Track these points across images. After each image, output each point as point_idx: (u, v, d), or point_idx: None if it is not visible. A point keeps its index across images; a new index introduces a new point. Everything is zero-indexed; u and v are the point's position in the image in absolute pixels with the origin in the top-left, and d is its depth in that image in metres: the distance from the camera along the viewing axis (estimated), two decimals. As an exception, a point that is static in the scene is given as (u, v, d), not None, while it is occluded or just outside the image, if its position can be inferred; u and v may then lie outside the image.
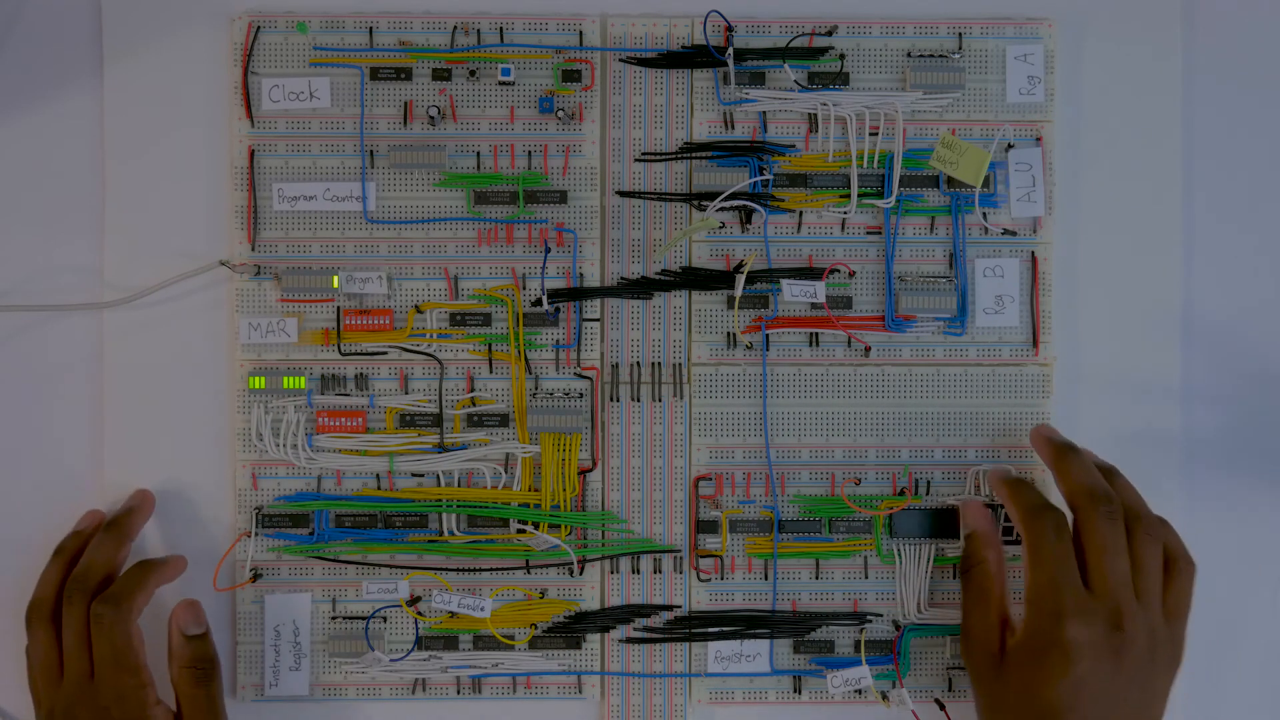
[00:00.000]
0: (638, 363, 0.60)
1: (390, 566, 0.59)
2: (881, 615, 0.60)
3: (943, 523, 0.60)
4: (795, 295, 0.59)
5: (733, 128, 0.59)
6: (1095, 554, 0.53)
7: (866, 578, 0.60)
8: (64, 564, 0.56)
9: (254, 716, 0.59)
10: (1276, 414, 0.62)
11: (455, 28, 0.59)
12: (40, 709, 0.55)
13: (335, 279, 0.59)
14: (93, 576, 0.55)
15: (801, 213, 0.60)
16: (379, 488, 0.59)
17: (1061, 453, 0.56)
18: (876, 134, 0.59)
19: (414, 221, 0.59)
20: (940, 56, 0.60)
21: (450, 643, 0.59)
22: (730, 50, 0.59)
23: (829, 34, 0.59)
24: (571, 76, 0.59)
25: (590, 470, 0.60)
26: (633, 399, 0.60)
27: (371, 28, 0.59)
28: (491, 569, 0.60)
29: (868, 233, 0.60)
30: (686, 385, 0.60)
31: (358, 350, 0.59)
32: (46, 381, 0.60)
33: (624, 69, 0.59)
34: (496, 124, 0.59)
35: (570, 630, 0.59)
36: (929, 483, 0.60)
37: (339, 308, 0.59)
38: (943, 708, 0.59)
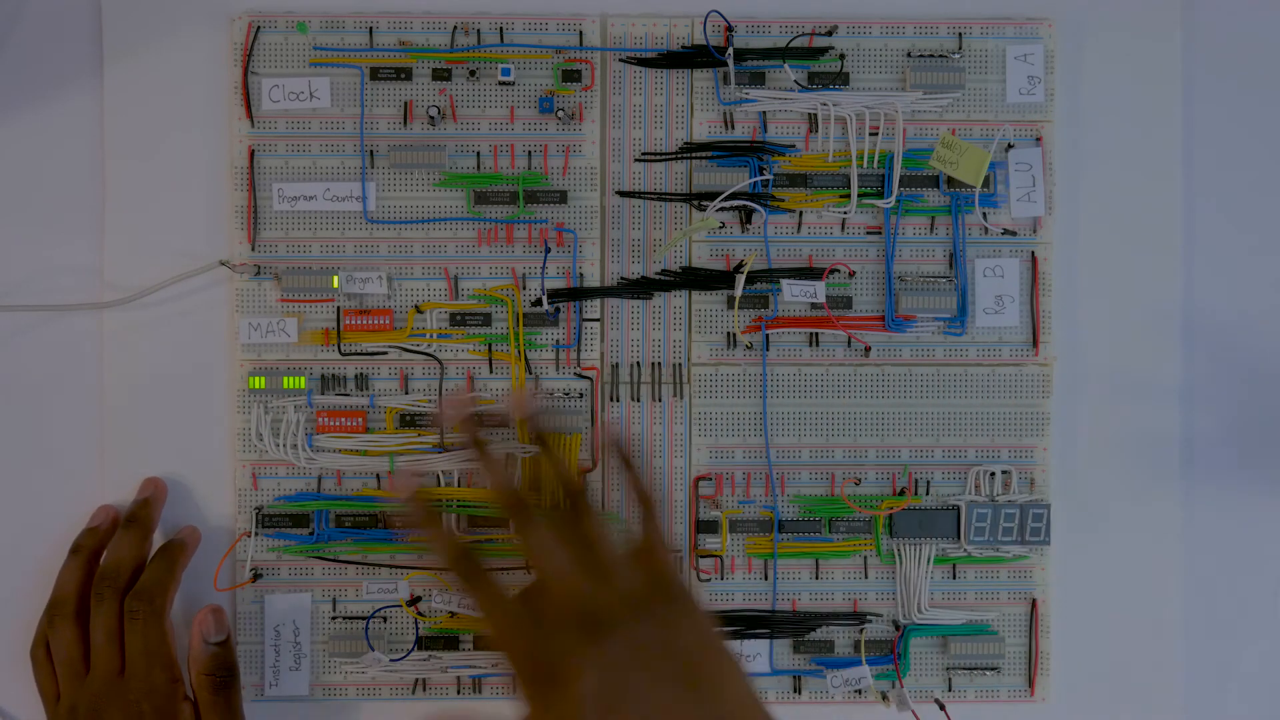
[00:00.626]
0: (638, 363, 0.60)
1: (390, 566, 0.59)
2: (881, 615, 0.60)
3: (943, 523, 0.60)
4: (795, 295, 0.59)
5: (733, 128, 0.59)
6: (534, 559, 0.46)
7: (866, 578, 0.60)
8: (83, 561, 0.57)
9: (254, 716, 0.59)
10: (1276, 414, 0.62)
11: (455, 28, 0.59)
12: (60, 705, 0.55)
13: (335, 279, 0.59)
14: (123, 573, 0.56)
15: (801, 213, 0.60)
16: (379, 488, 0.59)
17: (480, 454, 0.51)
18: (876, 134, 0.59)
19: (414, 221, 0.59)
20: (940, 56, 0.60)
21: (450, 643, 0.59)
22: (730, 50, 0.59)
23: (829, 34, 0.59)
24: (571, 76, 0.59)
25: (590, 470, 0.60)
26: (633, 399, 0.60)
27: (371, 28, 0.59)
28: (491, 569, 0.59)
29: (868, 233, 0.60)
30: (686, 385, 0.60)
31: (358, 350, 0.59)
32: (46, 381, 0.60)
33: (624, 69, 0.59)
34: (496, 124, 0.59)
35: (570, 630, 0.59)
36: (929, 483, 0.60)
37: (339, 308, 0.59)
38: (943, 708, 0.59)
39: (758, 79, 0.59)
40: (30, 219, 0.59)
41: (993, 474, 0.60)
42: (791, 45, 0.59)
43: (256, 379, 0.59)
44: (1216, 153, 0.61)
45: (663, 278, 0.59)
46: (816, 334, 0.60)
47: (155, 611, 0.55)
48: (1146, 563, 0.61)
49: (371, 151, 0.59)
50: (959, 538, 0.60)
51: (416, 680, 0.60)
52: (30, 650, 0.57)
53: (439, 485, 0.59)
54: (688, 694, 0.42)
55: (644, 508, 0.48)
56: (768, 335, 0.60)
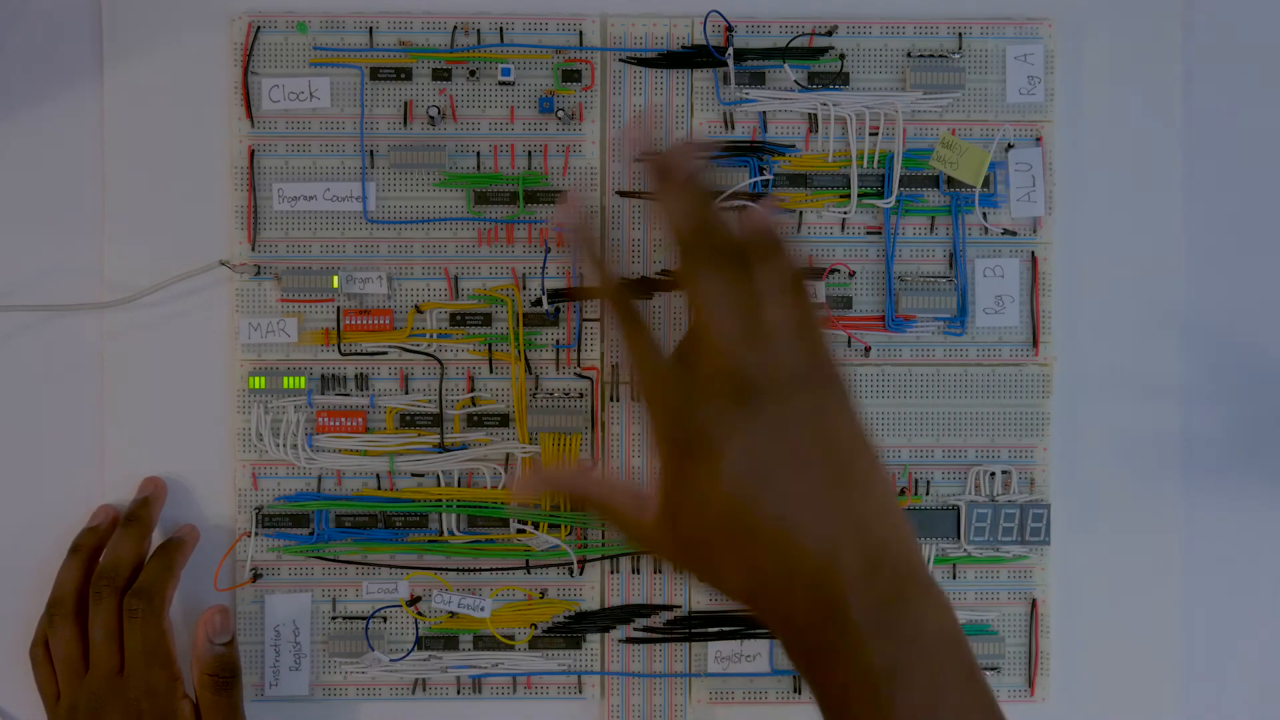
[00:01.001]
0: (638, 363, 0.60)
1: (390, 566, 0.59)
2: (881, 615, 0.60)
3: (943, 523, 0.60)
4: (795, 295, 0.59)
5: (733, 128, 0.59)
6: (702, 317, 0.43)
7: (866, 578, 0.60)
8: (83, 561, 0.57)
9: (254, 716, 0.59)
10: (1276, 414, 0.62)
11: (455, 28, 0.59)
12: (60, 704, 0.56)
13: (335, 279, 0.59)
14: (122, 571, 0.56)
15: (801, 213, 0.60)
16: (379, 488, 0.59)
17: (661, 179, 0.46)
18: (876, 134, 0.59)
19: (414, 221, 0.59)
20: (940, 56, 0.60)
21: (450, 643, 0.59)
22: (730, 50, 0.59)
23: (829, 34, 0.59)
24: (571, 76, 0.59)
25: (590, 470, 0.60)
26: (633, 399, 0.60)
27: (371, 28, 0.59)
28: (491, 569, 0.60)
29: (868, 233, 0.60)
30: (686, 385, 0.60)
31: (358, 350, 0.59)
32: (46, 381, 0.60)
33: (624, 69, 0.59)
34: (496, 124, 0.59)
35: (570, 630, 0.59)
36: (929, 483, 0.60)
37: (339, 308, 0.59)
38: (943, 708, 0.59)
39: (758, 79, 0.59)
40: (30, 219, 0.59)
41: (993, 474, 0.60)
42: (791, 45, 0.59)
43: (256, 379, 0.59)
44: (1216, 152, 0.61)
45: (663, 278, 0.59)
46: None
47: (154, 610, 0.55)
48: (1146, 563, 0.61)
49: (371, 151, 0.59)
50: (959, 538, 0.60)
51: (416, 680, 0.60)
52: (30, 650, 0.57)
53: (439, 485, 0.59)
54: (832, 488, 0.40)
55: (795, 281, 0.43)
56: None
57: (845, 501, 0.40)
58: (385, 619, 0.59)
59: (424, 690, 0.60)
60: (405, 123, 0.59)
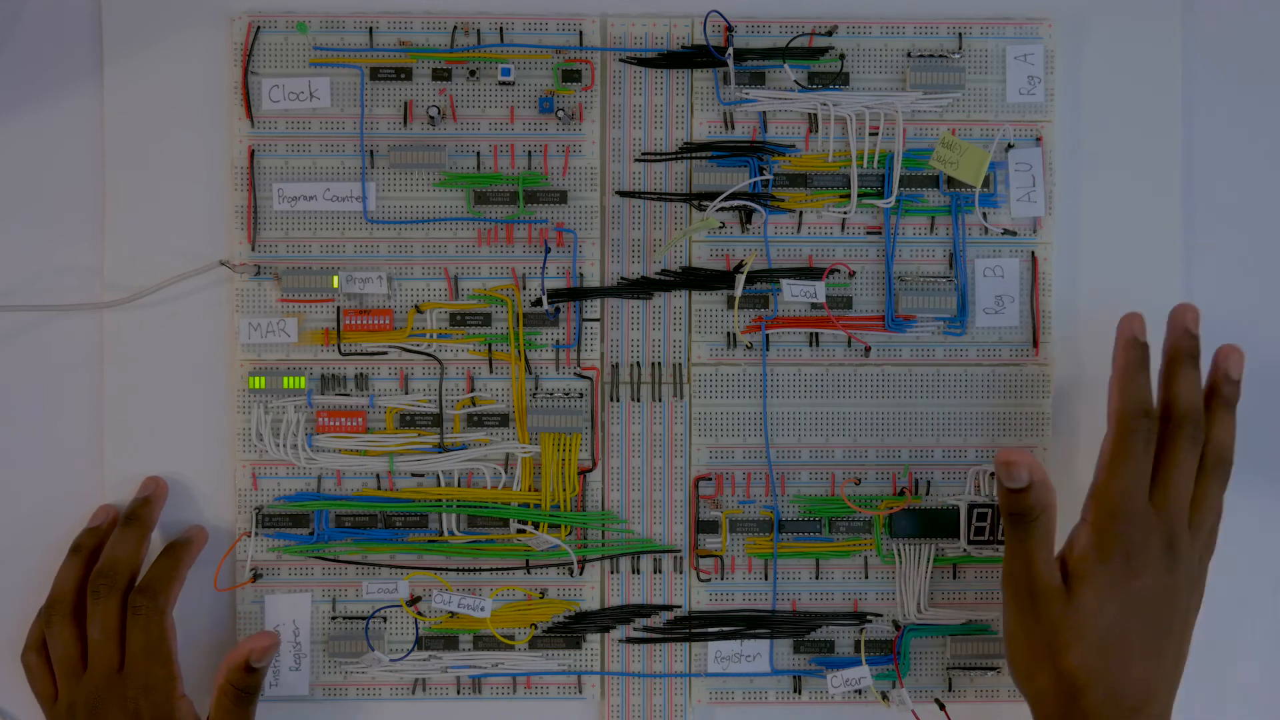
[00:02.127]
0: (638, 363, 0.60)
1: (390, 566, 0.59)
2: (881, 615, 0.60)
3: (943, 523, 0.60)
4: (795, 295, 0.59)
5: (733, 128, 0.59)
6: (1168, 472, 0.53)
7: (866, 578, 0.60)
8: (83, 561, 0.57)
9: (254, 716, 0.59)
10: (1276, 414, 0.61)
11: (455, 28, 0.59)
12: (58, 704, 0.55)
13: (335, 279, 0.59)
14: (120, 571, 0.56)
15: (801, 213, 0.60)
16: (379, 488, 0.59)
17: (1181, 360, 0.55)
18: (876, 134, 0.59)
19: (414, 221, 0.59)
20: (940, 56, 0.60)
21: (450, 643, 0.59)
22: (730, 50, 0.59)
23: (829, 34, 0.59)
24: (571, 76, 0.59)
25: (590, 470, 0.60)
26: (633, 399, 0.60)
27: (371, 28, 0.59)
28: (491, 569, 0.60)
29: (868, 233, 0.60)
30: (686, 385, 0.60)
31: (358, 350, 0.59)
32: (46, 381, 0.60)
33: (624, 69, 0.59)
34: (496, 124, 0.59)
35: (570, 630, 0.59)
36: (929, 483, 0.60)
37: (339, 308, 0.59)
38: (943, 708, 0.59)
39: (758, 79, 0.59)
40: (30, 219, 0.59)
41: (993, 474, 0.60)
42: (791, 45, 0.59)
43: (256, 379, 0.59)
44: (1216, 152, 0.61)
45: (663, 278, 0.59)
46: (816, 334, 0.60)
47: (157, 608, 0.55)
48: (1146, 563, 0.61)
49: (371, 151, 0.59)
50: (959, 538, 0.60)
51: (416, 680, 0.60)
52: (21, 656, 0.57)
53: (439, 485, 0.59)
54: (1163, 661, 0.53)
55: (1217, 476, 0.54)
56: (768, 335, 0.60)
57: (1166, 676, 0.53)
58: (385, 619, 0.59)
59: (424, 690, 0.60)
60: (405, 123, 0.59)
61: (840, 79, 0.59)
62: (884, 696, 0.59)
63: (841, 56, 0.59)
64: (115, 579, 0.56)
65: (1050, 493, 0.53)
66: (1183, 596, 0.52)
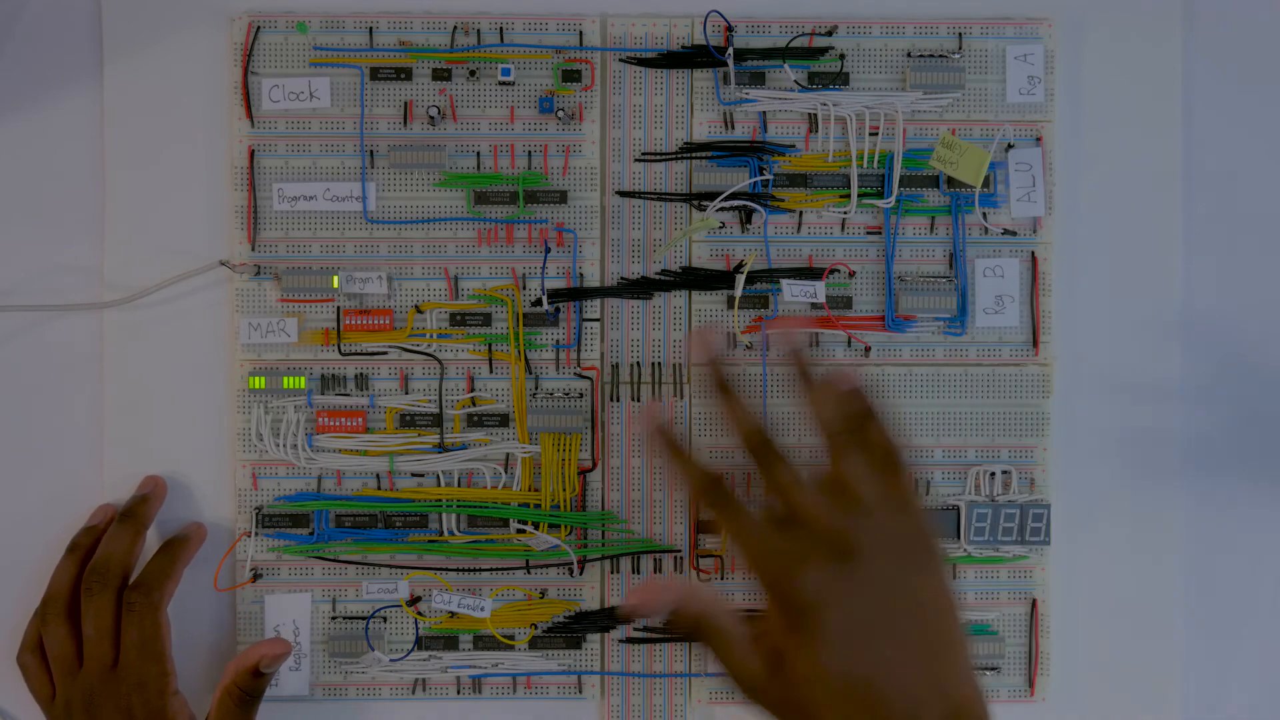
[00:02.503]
0: (638, 363, 0.60)
1: (390, 566, 0.59)
2: (881, 615, 0.60)
3: (943, 523, 0.60)
4: (795, 295, 0.59)
5: (733, 128, 0.59)
6: (783, 494, 0.46)
7: (866, 578, 0.60)
8: (79, 559, 0.57)
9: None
10: (1276, 414, 0.62)
11: (455, 28, 0.59)
12: (55, 702, 0.56)
13: (335, 279, 0.59)
14: (112, 567, 0.56)
15: (801, 213, 0.60)
16: (379, 488, 0.59)
17: (719, 387, 0.49)
18: (876, 134, 0.59)
19: (414, 221, 0.59)
20: (940, 56, 0.60)
21: (450, 643, 0.59)
22: (730, 50, 0.59)
23: (829, 34, 0.59)
24: (571, 76, 0.59)
25: (590, 470, 0.60)
26: (633, 399, 0.60)
27: (371, 28, 0.59)
28: (491, 569, 0.60)
29: (868, 233, 0.60)
30: (686, 385, 0.60)
31: (358, 350, 0.59)
32: (46, 381, 0.60)
33: (624, 69, 0.59)
34: (496, 124, 0.59)
35: (570, 630, 0.59)
36: (929, 483, 0.60)
37: (339, 308, 0.59)
38: (943, 708, 0.59)
39: (758, 79, 0.59)
40: (30, 219, 0.59)
41: (993, 474, 0.60)
42: (791, 45, 0.59)
43: (256, 379, 0.59)
44: (1216, 152, 0.61)
45: (663, 278, 0.59)
46: (816, 334, 0.60)
47: (153, 604, 0.55)
48: (1146, 563, 0.61)
49: (371, 151, 0.59)
50: (959, 538, 0.60)
51: (416, 680, 0.60)
52: (17, 657, 0.57)
53: (439, 485, 0.59)
54: (919, 653, 0.43)
55: (891, 456, 0.46)
56: (768, 335, 0.60)
57: (931, 665, 0.43)
58: (385, 619, 0.59)
59: (424, 690, 0.60)
60: (405, 123, 0.59)
61: (840, 79, 0.59)
62: (884, 696, 0.59)
63: (841, 56, 0.59)
64: (108, 576, 0.56)
65: (693, 597, 0.47)
66: (900, 580, 0.44)
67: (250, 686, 0.55)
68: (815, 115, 0.59)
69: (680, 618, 0.46)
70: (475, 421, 0.59)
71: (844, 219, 0.60)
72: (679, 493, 0.51)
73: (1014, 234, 0.60)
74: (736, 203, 0.59)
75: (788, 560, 0.44)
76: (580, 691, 0.60)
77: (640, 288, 0.59)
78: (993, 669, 0.60)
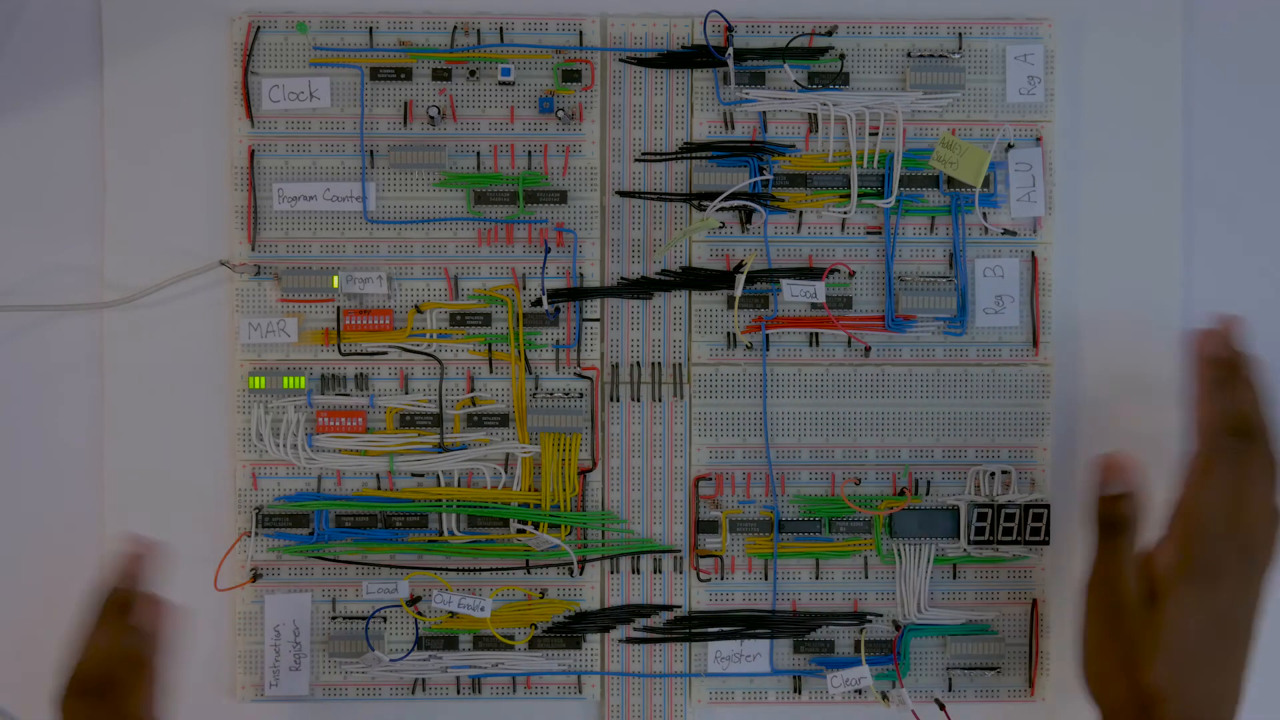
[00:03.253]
0: (638, 363, 0.60)
1: (390, 566, 0.59)
2: (881, 615, 0.60)
3: (943, 523, 0.60)
4: (795, 295, 0.59)
5: (733, 128, 0.59)
6: (1246, 484, 0.51)
7: (866, 578, 0.60)
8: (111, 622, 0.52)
9: (254, 716, 0.59)
10: (1276, 414, 0.61)
11: (455, 28, 0.59)
12: None
13: (335, 279, 0.59)
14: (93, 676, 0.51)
15: (801, 213, 0.60)
16: (379, 488, 0.59)
17: (1239, 369, 0.54)
18: (876, 134, 0.59)
19: (414, 221, 0.59)
20: (940, 56, 0.60)
21: (450, 643, 0.59)
22: (730, 50, 0.59)
23: (829, 34, 0.59)
24: (571, 76, 0.59)
25: (590, 470, 0.60)
26: (633, 399, 0.60)
27: (371, 28, 0.59)
28: (491, 569, 0.60)
29: (868, 233, 0.60)
30: (686, 385, 0.60)
31: (358, 350, 0.59)
32: (46, 381, 0.60)
33: (624, 69, 0.59)
34: (496, 124, 0.59)
35: (570, 630, 0.59)
36: (929, 483, 0.60)
37: (339, 308, 0.59)
38: (942, 708, 0.59)
39: (758, 79, 0.59)
40: (30, 219, 0.59)
41: (993, 474, 0.60)
42: (791, 45, 0.59)
43: (256, 379, 0.59)
44: (1216, 152, 0.61)
45: (663, 278, 0.59)
46: (816, 334, 0.60)
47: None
48: (1146, 563, 0.61)
49: (371, 151, 0.59)
50: (959, 538, 0.60)
51: (416, 680, 0.60)
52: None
53: (439, 485, 0.59)
54: (1232, 659, 0.51)
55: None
56: (768, 335, 0.60)
57: (1225, 667, 0.51)
58: (385, 619, 0.59)
59: (424, 690, 0.60)
60: (405, 123, 0.59)
61: (840, 79, 0.59)
62: (884, 696, 0.59)
63: (841, 56, 0.59)
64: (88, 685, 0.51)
65: (1142, 503, 0.53)
66: (1256, 609, 0.51)
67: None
68: (815, 115, 0.59)
69: (1128, 503, 0.52)
70: (475, 421, 0.59)
71: (844, 219, 0.60)
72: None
73: (1014, 234, 0.60)
74: (736, 203, 0.59)
75: (1229, 535, 0.50)
76: (580, 691, 0.60)
77: (640, 288, 0.59)
78: (993, 669, 0.60)
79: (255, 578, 0.59)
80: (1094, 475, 0.52)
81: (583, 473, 0.60)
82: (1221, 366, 0.53)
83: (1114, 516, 0.52)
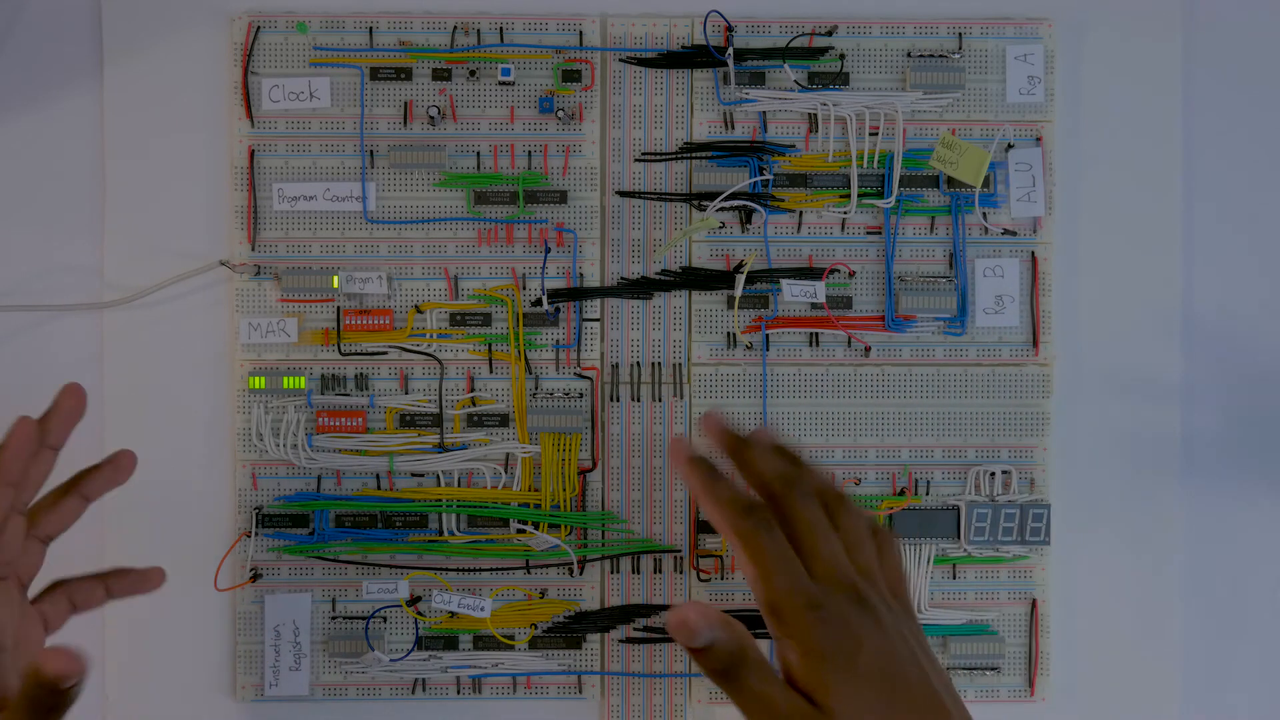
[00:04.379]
0: (638, 363, 0.60)
1: (390, 566, 0.59)
2: (881, 615, 0.60)
3: (943, 523, 0.60)
4: (795, 295, 0.59)
5: (733, 128, 0.59)
6: (809, 539, 0.46)
7: (866, 578, 0.60)
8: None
9: (254, 716, 0.59)
10: (1276, 414, 0.62)
11: (455, 28, 0.59)
12: None
13: (335, 279, 0.59)
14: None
15: (801, 213, 0.60)
16: (379, 488, 0.59)
17: (739, 442, 0.50)
18: (876, 134, 0.59)
19: (414, 221, 0.59)
20: (940, 56, 0.60)
21: (450, 643, 0.59)
22: (730, 50, 0.59)
23: (829, 34, 0.59)
24: (571, 76, 0.59)
25: (590, 470, 0.60)
26: (633, 399, 0.60)
27: (371, 28, 0.59)
28: (491, 569, 0.60)
29: (868, 233, 0.60)
30: (686, 385, 0.60)
31: (358, 350, 0.59)
32: (46, 381, 0.59)
33: (624, 69, 0.59)
34: (496, 124, 0.59)
35: (570, 630, 0.59)
36: (929, 483, 0.60)
37: (339, 308, 0.59)
38: (943, 708, 0.59)
39: (758, 79, 0.59)
40: (30, 219, 0.59)
41: (993, 474, 0.60)
42: (791, 45, 0.59)
43: (256, 379, 0.59)
44: (1216, 152, 0.61)
45: (663, 278, 0.59)
46: (816, 334, 0.60)
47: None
48: (1146, 563, 0.61)
49: (371, 151, 0.59)
50: (959, 538, 0.60)
51: (416, 680, 0.60)
52: None
53: (439, 485, 0.59)
54: (926, 692, 0.44)
55: (892, 543, 0.49)
56: (768, 335, 0.60)
57: (930, 709, 0.44)
58: (385, 619, 0.59)
59: (424, 690, 0.60)
60: (405, 123, 0.59)
61: (840, 79, 0.59)
62: (884, 696, 0.59)
63: (841, 56, 0.59)
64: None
65: (738, 629, 0.45)
66: (900, 633, 0.46)
67: (47, 701, 0.42)
68: (815, 115, 0.59)
69: (721, 648, 0.44)
70: (475, 421, 0.59)
71: (844, 219, 0.60)
72: (708, 512, 0.49)
73: (1014, 234, 0.60)
74: (736, 203, 0.59)
75: (819, 596, 0.45)
76: (580, 691, 0.60)
77: (640, 288, 0.59)
78: (993, 669, 0.60)
79: (255, 578, 0.59)
80: (674, 635, 0.44)
81: (583, 473, 0.60)
82: (699, 464, 0.49)
83: (717, 663, 0.44)
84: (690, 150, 0.59)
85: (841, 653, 0.44)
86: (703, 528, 0.60)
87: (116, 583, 0.54)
